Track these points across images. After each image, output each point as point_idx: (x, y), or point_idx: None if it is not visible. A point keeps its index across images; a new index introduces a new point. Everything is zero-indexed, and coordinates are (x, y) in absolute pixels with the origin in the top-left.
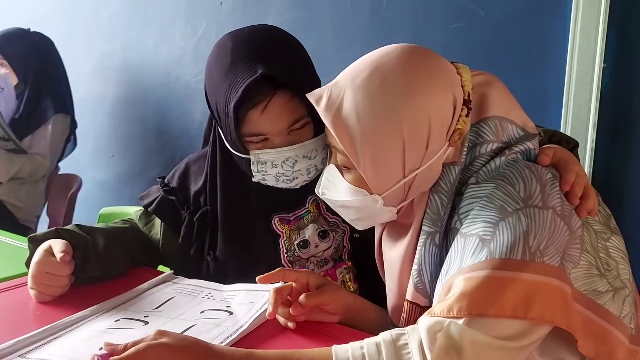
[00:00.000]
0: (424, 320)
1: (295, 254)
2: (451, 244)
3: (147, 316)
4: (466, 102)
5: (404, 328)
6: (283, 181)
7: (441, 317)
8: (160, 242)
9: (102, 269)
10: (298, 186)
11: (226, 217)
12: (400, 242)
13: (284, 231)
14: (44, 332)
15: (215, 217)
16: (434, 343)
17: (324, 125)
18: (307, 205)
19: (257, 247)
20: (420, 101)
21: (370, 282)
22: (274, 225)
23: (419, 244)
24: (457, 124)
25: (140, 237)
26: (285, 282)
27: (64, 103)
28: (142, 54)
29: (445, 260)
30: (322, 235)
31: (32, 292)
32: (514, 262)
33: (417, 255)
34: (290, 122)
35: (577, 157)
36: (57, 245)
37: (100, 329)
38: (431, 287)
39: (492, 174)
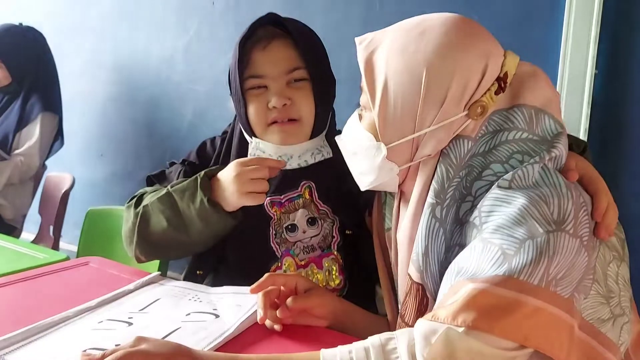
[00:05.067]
0: (422, 324)
1: (283, 236)
2: (462, 236)
3: (131, 317)
4: (500, 80)
5: (393, 332)
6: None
7: (443, 322)
8: None
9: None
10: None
11: None
12: (408, 211)
13: (274, 213)
14: (25, 334)
15: None
16: (427, 348)
17: (321, 94)
18: (299, 189)
19: (250, 228)
20: (449, 56)
21: (357, 280)
22: (266, 207)
23: (421, 217)
24: (482, 97)
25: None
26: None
27: (53, 101)
28: (132, 53)
29: (458, 258)
30: (311, 222)
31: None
32: (530, 286)
33: (418, 229)
34: (289, 68)
35: (589, 159)
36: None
37: (83, 330)
38: (428, 264)
39: (526, 181)
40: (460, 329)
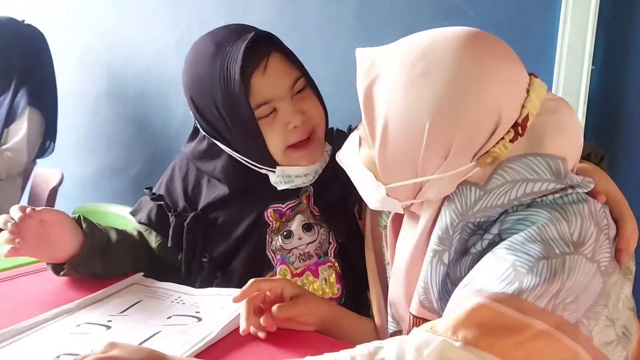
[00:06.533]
0: (417, 335)
1: (278, 244)
2: (471, 264)
3: (110, 321)
4: (517, 126)
5: (383, 341)
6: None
7: (441, 335)
8: (157, 247)
9: (107, 267)
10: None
11: (227, 216)
12: (409, 242)
13: (274, 221)
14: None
15: (207, 220)
16: (418, 359)
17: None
18: (300, 197)
19: (245, 236)
20: (455, 107)
21: (354, 289)
22: (266, 216)
23: (425, 261)
24: (493, 146)
25: (145, 243)
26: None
27: (43, 100)
28: (123, 48)
29: (468, 275)
30: (307, 228)
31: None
32: (536, 308)
33: (422, 272)
34: (291, 81)
35: (605, 169)
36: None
37: (59, 334)
38: (438, 305)
39: (548, 198)
40: (457, 344)
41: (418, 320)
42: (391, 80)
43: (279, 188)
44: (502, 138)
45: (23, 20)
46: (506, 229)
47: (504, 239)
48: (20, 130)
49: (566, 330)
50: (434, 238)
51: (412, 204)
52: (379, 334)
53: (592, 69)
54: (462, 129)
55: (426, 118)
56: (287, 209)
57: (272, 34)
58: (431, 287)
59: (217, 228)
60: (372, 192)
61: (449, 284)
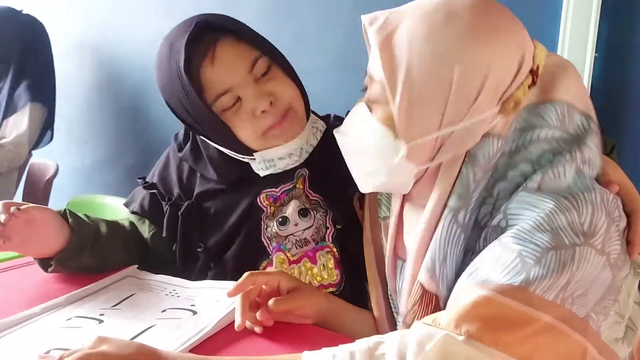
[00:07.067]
0: (418, 329)
1: (274, 230)
2: (481, 241)
3: (102, 314)
4: (533, 72)
5: (384, 336)
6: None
7: (443, 329)
8: (149, 238)
9: (98, 260)
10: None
11: (221, 205)
12: (418, 228)
13: (267, 207)
14: None
15: (201, 209)
16: (420, 355)
17: (291, 70)
18: (294, 179)
19: (239, 224)
20: (483, 48)
21: (353, 275)
22: (260, 202)
23: (440, 221)
24: (515, 90)
25: (137, 234)
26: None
27: (43, 93)
28: (116, 36)
29: (473, 262)
30: (303, 213)
31: None
32: (544, 301)
33: (435, 235)
34: (248, 65)
35: (615, 160)
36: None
37: (48, 328)
38: (444, 272)
39: (557, 184)
40: (460, 337)
41: (422, 292)
42: (411, 29)
43: (262, 174)
44: (522, 84)
45: (21, 10)
46: (513, 214)
47: (510, 225)
48: (22, 124)
49: (575, 324)
50: (454, 196)
51: (426, 171)
52: (378, 326)
53: (595, 57)
54: (493, 70)
55: (455, 62)
56: (282, 193)
57: (222, 16)
58: (439, 250)
59: (211, 217)
60: (384, 161)
61: (460, 250)
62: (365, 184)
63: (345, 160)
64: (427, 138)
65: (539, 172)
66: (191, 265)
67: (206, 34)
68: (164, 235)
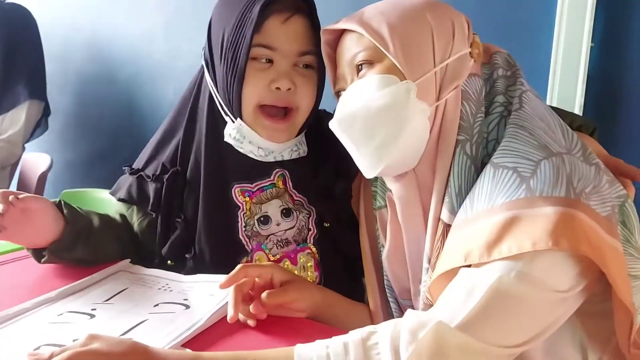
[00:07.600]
0: (411, 317)
1: (254, 229)
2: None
3: (94, 309)
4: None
5: (376, 326)
6: (255, 156)
7: (479, 263)
8: (138, 228)
9: (91, 252)
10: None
11: (206, 174)
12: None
13: (244, 203)
14: None
15: (185, 178)
16: (413, 343)
17: (321, 87)
18: (272, 177)
19: (214, 216)
20: (441, 6)
21: (333, 276)
22: (234, 195)
23: (453, 157)
24: (474, 40)
25: (129, 226)
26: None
27: (39, 87)
28: (111, 29)
29: (471, 192)
30: (286, 213)
31: None
32: (558, 197)
33: (450, 169)
34: (302, 49)
35: (597, 140)
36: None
37: (39, 324)
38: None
39: (529, 107)
40: (453, 324)
41: (444, 227)
42: (374, 8)
43: (226, 139)
44: (474, 39)
45: (4, 0)
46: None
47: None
48: (19, 121)
49: (600, 220)
50: (458, 131)
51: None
52: (373, 319)
53: (591, 46)
54: (454, 19)
55: (426, 11)
56: (257, 189)
57: (314, 2)
58: (455, 181)
59: (189, 188)
60: (395, 110)
61: (473, 182)
62: (372, 163)
63: (349, 140)
64: (429, 75)
65: (512, 102)
66: (169, 239)
67: (291, 3)
68: (149, 210)
